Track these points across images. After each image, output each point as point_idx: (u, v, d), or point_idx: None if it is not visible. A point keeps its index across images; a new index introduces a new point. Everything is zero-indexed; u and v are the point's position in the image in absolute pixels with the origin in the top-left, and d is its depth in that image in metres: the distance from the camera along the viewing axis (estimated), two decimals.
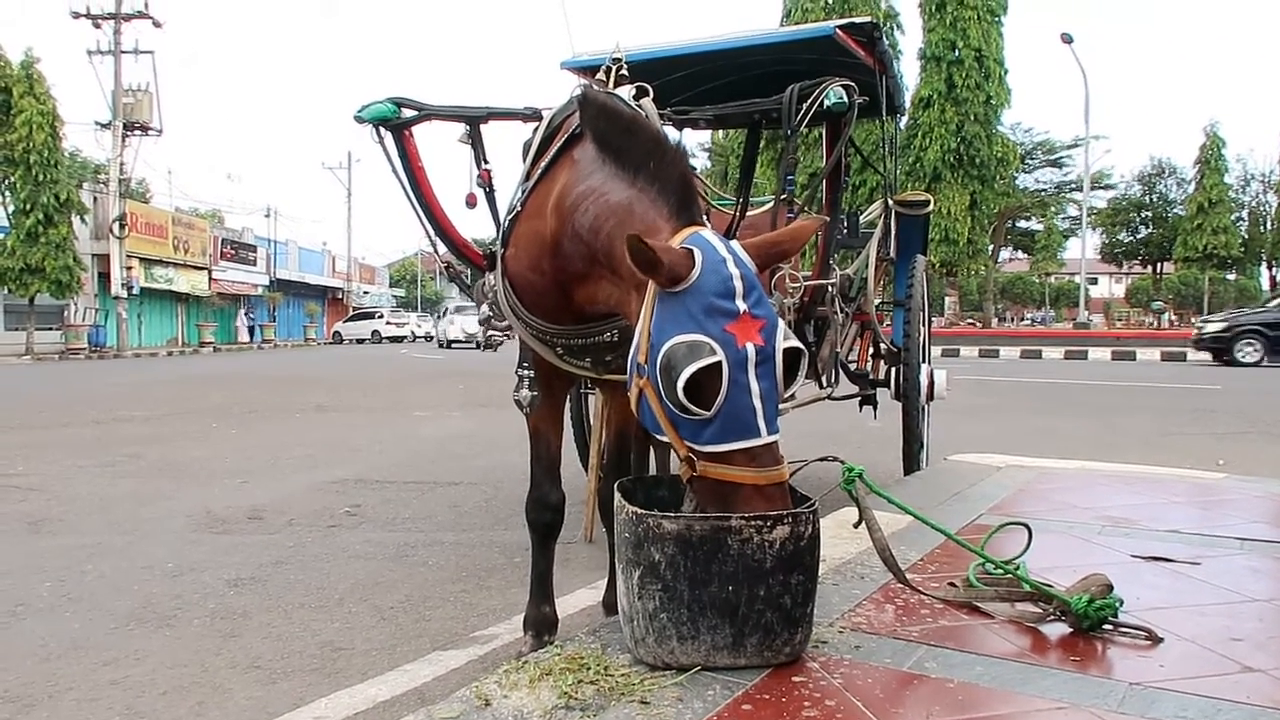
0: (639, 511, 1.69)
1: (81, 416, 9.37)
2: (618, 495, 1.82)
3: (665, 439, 1.68)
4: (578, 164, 2.07)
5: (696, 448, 1.62)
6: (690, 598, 1.64)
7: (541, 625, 2.43)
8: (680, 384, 1.55)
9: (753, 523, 1.63)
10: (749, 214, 3.23)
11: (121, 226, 28.30)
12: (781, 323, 1.65)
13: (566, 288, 2.10)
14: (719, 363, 1.55)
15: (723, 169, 33.01)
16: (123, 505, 4.85)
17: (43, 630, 2.92)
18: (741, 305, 1.59)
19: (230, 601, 3.19)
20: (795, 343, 1.65)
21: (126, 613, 3.07)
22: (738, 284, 1.61)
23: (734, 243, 1.70)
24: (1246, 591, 2.20)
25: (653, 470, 3.74)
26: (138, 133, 29.39)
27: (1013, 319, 50.57)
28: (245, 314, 38.30)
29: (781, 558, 1.64)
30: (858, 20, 3.94)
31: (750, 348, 1.57)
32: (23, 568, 3.63)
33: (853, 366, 4.53)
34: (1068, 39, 28.11)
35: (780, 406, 1.64)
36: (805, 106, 2.86)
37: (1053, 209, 43.58)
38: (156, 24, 28.93)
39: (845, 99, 2.84)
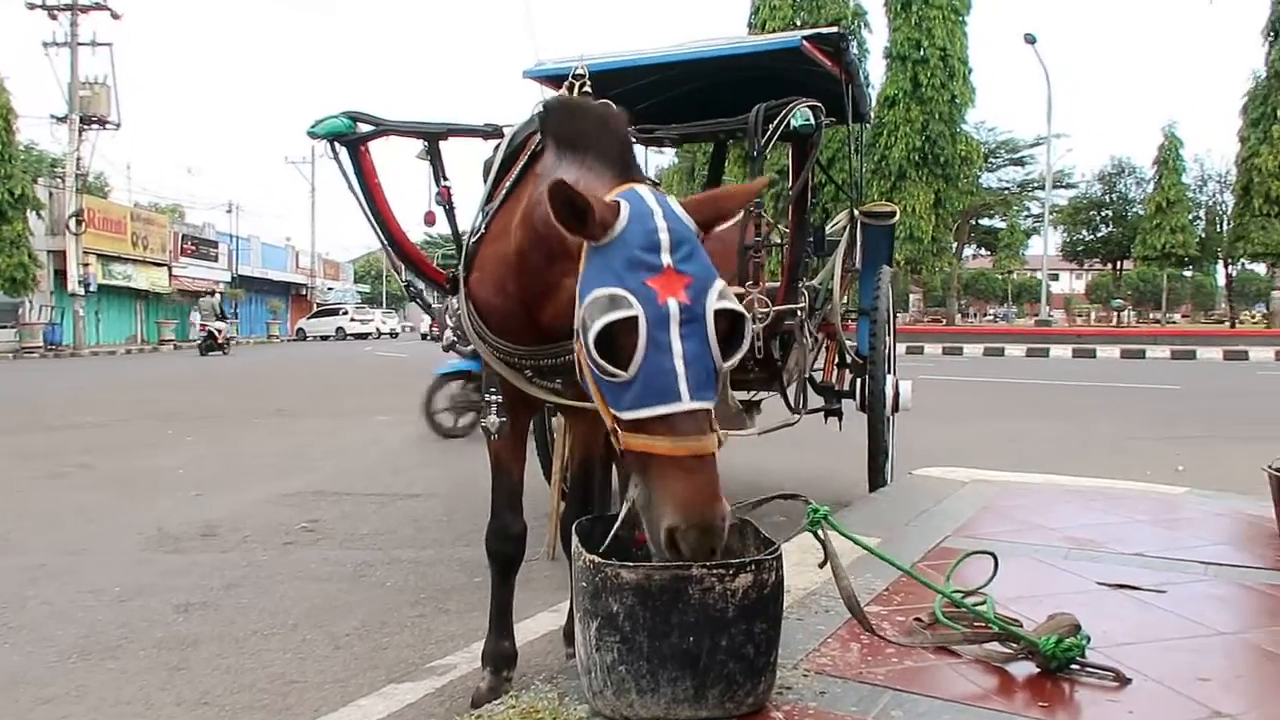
0: (597, 560, 1.63)
1: (34, 421, 9.14)
2: (575, 540, 1.75)
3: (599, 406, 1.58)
4: (540, 177, 2.00)
5: (619, 414, 1.50)
6: (650, 649, 1.58)
7: (500, 660, 2.36)
8: (591, 338, 1.45)
9: (714, 571, 1.57)
10: (718, 229, 3.17)
11: (78, 222, 27.73)
12: (719, 283, 1.53)
13: (533, 308, 2.02)
14: (634, 318, 1.45)
15: (690, 165, 33.00)
16: (71, 522, 4.71)
17: None
18: (666, 259, 1.49)
19: (179, 629, 3.09)
20: (733, 304, 1.52)
21: (70, 643, 2.96)
22: (664, 237, 1.51)
23: (671, 199, 1.62)
24: (1212, 623, 2.19)
25: (616, 492, 3.68)
26: (95, 126, 28.82)
27: (976, 315, 51.16)
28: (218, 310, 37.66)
29: (744, 606, 1.59)
30: (824, 31, 3.91)
31: (673, 304, 1.46)
32: None
33: (818, 378, 4.50)
34: (1030, 39, 28.43)
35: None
36: (772, 128, 2.81)
37: (1015, 207, 44.14)
38: (115, 15, 28.39)
39: (811, 120, 2.80)
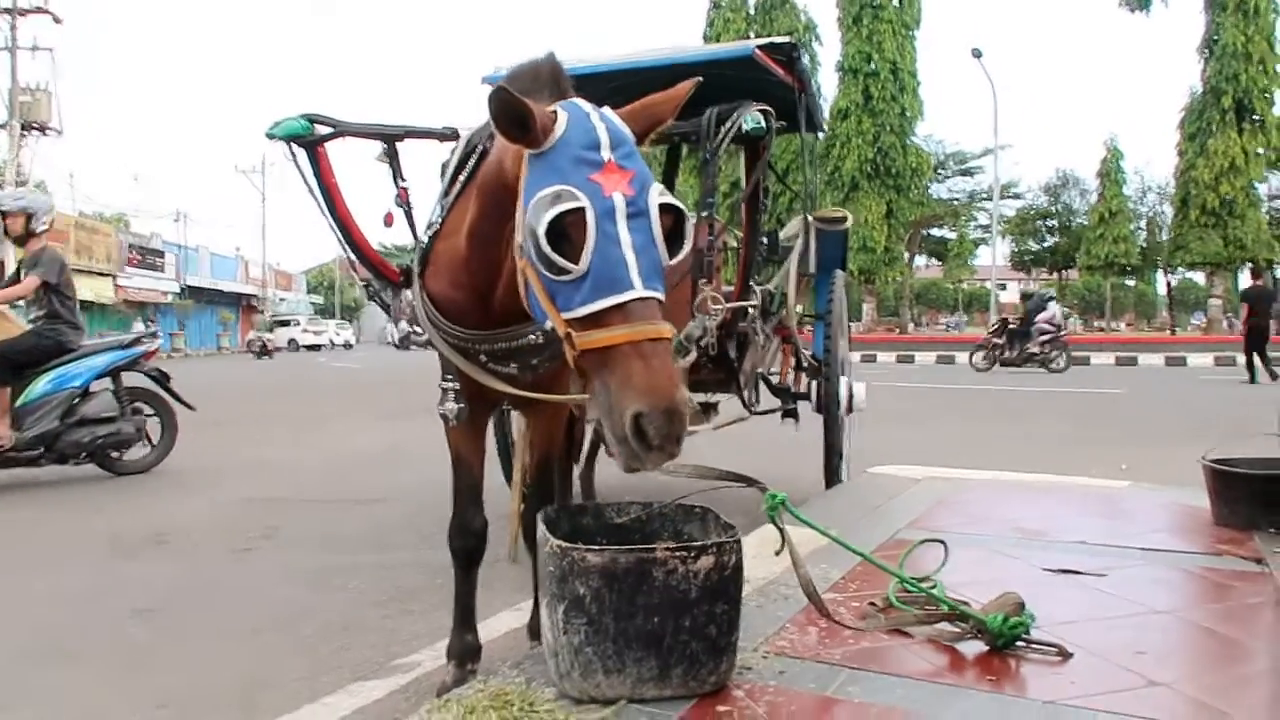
0: (564, 545, 1.67)
1: None
2: (541, 527, 1.80)
3: (550, 321, 1.58)
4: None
5: (572, 315, 1.50)
6: (616, 631, 1.63)
7: (465, 654, 2.39)
8: (542, 229, 1.47)
9: (677, 553, 1.63)
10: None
11: None
12: (658, 184, 1.57)
13: (486, 295, 2.06)
14: (582, 210, 1.46)
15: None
16: (15, 530, 4.62)
17: None
18: (607, 155, 1.53)
19: (136, 633, 3.06)
20: (673, 200, 1.57)
21: (19, 648, 2.92)
22: (603, 136, 1.55)
23: (606, 109, 1.65)
24: (1150, 603, 2.29)
25: (577, 492, 3.73)
26: (36, 132, 28.17)
27: (928, 324, 52.00)
28: (145, 322, 36.87)
29: (706, 588, 1.65)
30: (777, 40, 4.01)
31: (618, 197, 1.49)
32: None
33: (774, 380, 4.59)
34: (977, 54, 29.04)
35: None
36: (723, 130, 2.88)
37: (964, 218, 44.97)
38: (56, 20, 27.85)
39: (762, 123, 2.87)
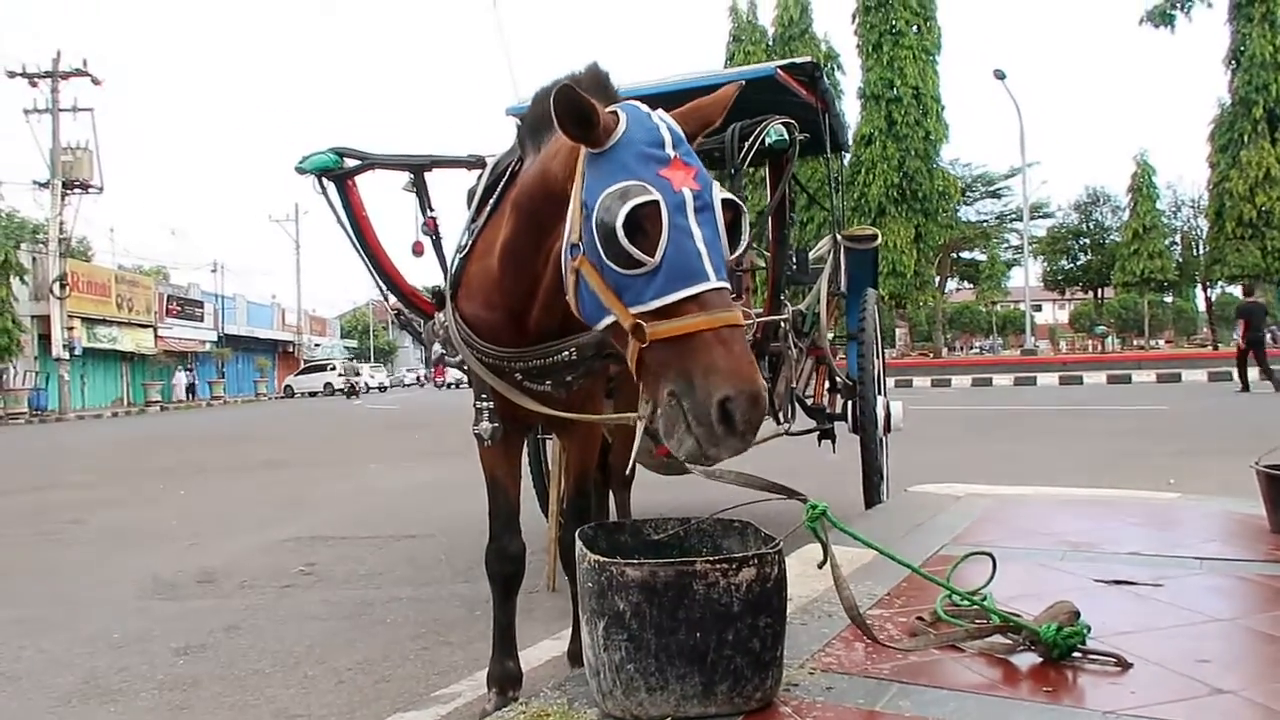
0: (602, 560, 1.65)
1: (21, 483, 9.05)
2: (579, 543, 1.77)
3: (611, 319, 1.56)
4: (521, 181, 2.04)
5: (644, 308, 1.50)
6: (657, 646, 1.60)
7: (505, 681, 2.36)
8: (620, 223, 1.47)
9: (718, 566, 1.60)
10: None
11: (62, 286, 27.71)
12: (715, 181, 1.60)
13: (520, 315, 2.07)
14: (656, 203, 1.48)
15: None
16: (65, 574, 4.67)
17: None
18: (672, 151, 1.56)
19: (180, 671, 3.06)
20: (732, 196, 1.59)
21: (69, 689, 2.93)
22: (665, 134, 1.58)
23: (660, 110, 1.67)
24: (1209, 611, 2.21)
25: (614, 516, 3.70)
26: (78, 191, 28.93)
27: (962, 348, 51.43)
28: (184, 370, 37.47)
29: (748, 600, 1.61)
30: (798, 61, 4.02)
31: (687, 192, 1.51)
32: None
33: (809, 401, 4.54)
34: (1000, 75, 28.99)
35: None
36: (747, 146, 2.88)
37: (994, 239, 44.59)
38: (95, 81, 28.65)
39: (786, 136, 2.87)
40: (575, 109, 1.54)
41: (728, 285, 1.52)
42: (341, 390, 39.03)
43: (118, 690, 2.91)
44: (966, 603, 2.09)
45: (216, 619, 3.68)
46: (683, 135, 1.62)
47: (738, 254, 1.61)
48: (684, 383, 1.47)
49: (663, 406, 1.50)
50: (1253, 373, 14.91)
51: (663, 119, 1.62)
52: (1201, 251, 35.13)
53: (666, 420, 1.49)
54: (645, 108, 1.65)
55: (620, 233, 1.48)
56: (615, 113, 1.62)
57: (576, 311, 1.68)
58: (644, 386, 1.58)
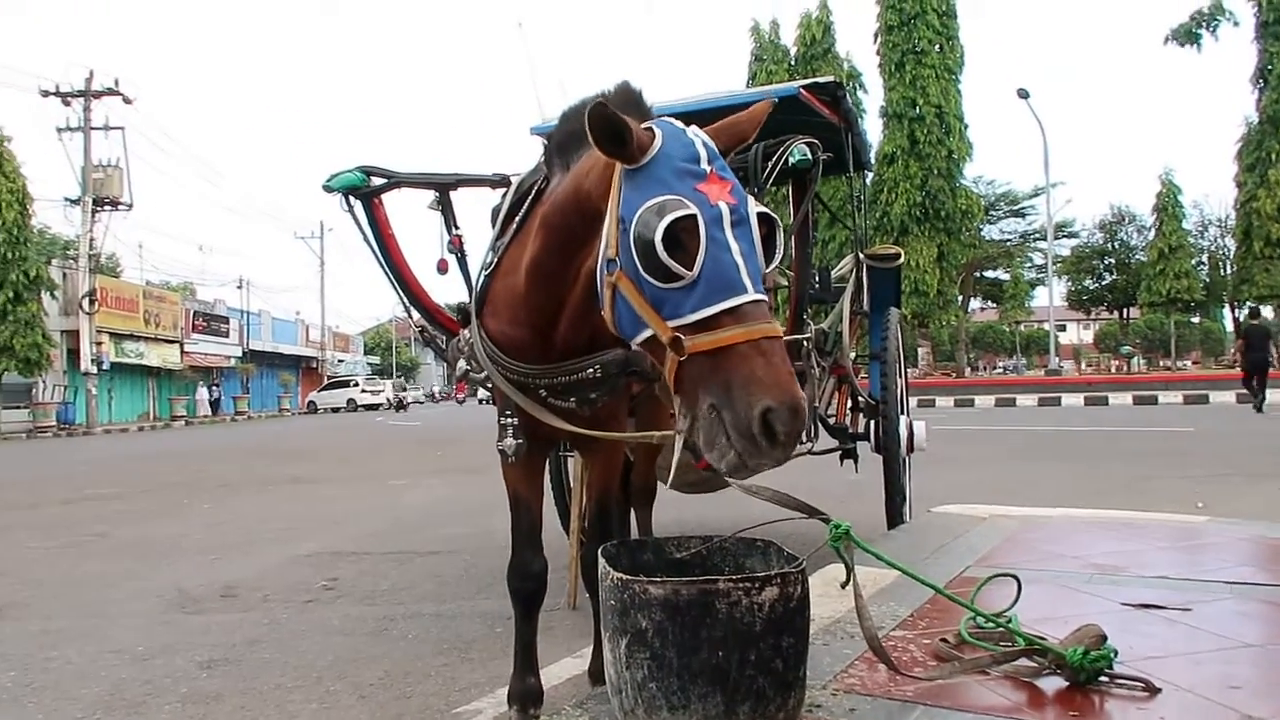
0: (624, 577, 1.65)
1: (48, 496, 9.16)
2: (601, 561, 1.78)
3: (648, 333, 1.57)
4: (548, 200, 2.05)
5: (682, 321, 1.52)
6: (679, 665, 1.59)
7: (526, 698, 2.36)
8: (659, 237, 1.49)
9: (741, 585, 1.59)
10: None
11: (91, 302, 28.11)
12: (749, 195, 1.62)
13: (547, 332, 2.09)
14: (694, 217, 1.50)
15: None
16: (90, 587, 4.71)
17: None
18: (708, 166, 1.58)
19: (203, 684, 3.08)
20: (767, 210, 1.61)
21: (93, 700, 2.95)
22: (701, 150, 1.60)
23: (694, 126, 1.69)
24: (1241, 637, 2.18)
25: (635, 534, 3.69)
26: (108, 208, 29.38)
27: (985, 368, 51.04)
28: (209, 385, 37.86)
29: (771, 620, 1.60)
30: (821, 80, 4.03)
31: (724, 205, 1.53)
32: None
33: (831, 421, 4.52)
34: (1024, 94, 28.92)
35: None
36: (770, 165, 2.89)
37: (1018, 258, 44.33)
38: (127, 100, 29.13)
39: (809, 156, 2.88)
40: (610, 126, 1.56)
41: (765, 297, 1.53)
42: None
43: (141, 703, 2.93)
44: (991, 624, 2.07)
45: (239, 633, 3.70)
46: (717, 150, 1.63)
47: (772, 267, 1.62)
48: (724, 395, 1.48)
49: (702, 419, 1.51)
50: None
51: (697, 135, 1.64)
52: (1229, 271, 34.76)
53: (706, 433, 1.50)
54: (680, 124, 1.67)
55: (659, 247, 1.50)
56: (651, 129, 1.64)
57: (612, 326, 1.69)
58: (682, 399, 1.59)
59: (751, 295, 1.50)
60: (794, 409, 1.44)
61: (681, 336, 1.51)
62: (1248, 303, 25.07)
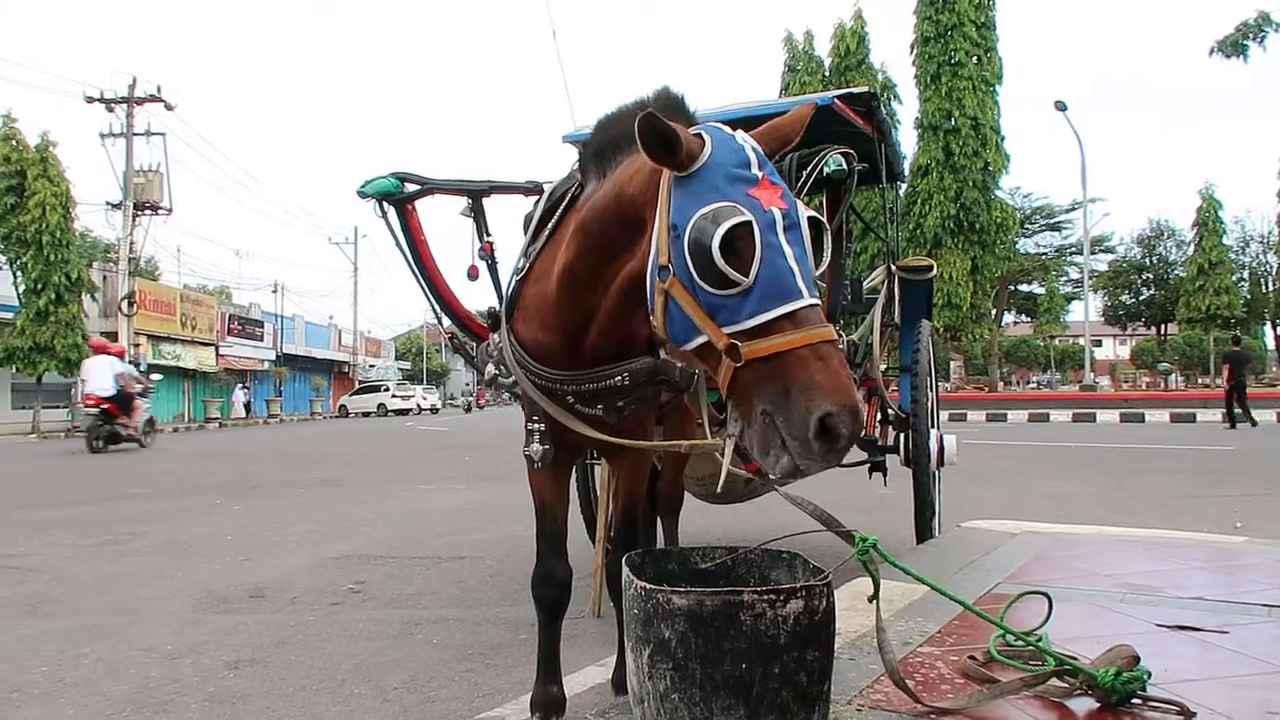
0: (648, 587, 1.64)
1: (87, 494, 9.31)
2: (626, 570, 1.77)
3: (702, 339, 1.57)
4: (581, 208, 2.05)
5: (738, 327, 1.52)
6: (702, 676, 1.58)
7: (549, 706, 2.35)
8: (716, 244, 1.49)
9: (765, 597, 1.58)
10: None
11: (130, 304, 28.55)
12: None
13: (577, 338, 2.08)
14: (749, 223, 1.50)
15: None
16: (123, 585, 4.78)
17: (35, 718, 2.84)
18: (759, 172, 1.58)
19: (230, 684, 3.11)
20: (815, 214, 1.61)
21: (123, 698, 2.99)
22: (751, 155, 1.60)
23: (740, 131, 1.68)
24: (1278, 662, 2.12)
25: (661, 543, 3.68)
26: (148, 212, 29.81)
27: (1018, 383, 50.45)
28: (242, 388, 38.33)
29: (796, 633, 1.59)
30: (855, 90, 4.01)
31: (776, 211, 1.53)
32: (19, 651, 3.55)
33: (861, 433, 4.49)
34: (1061, 106, 28.62)
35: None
36: (805, 175, 2.87)
37: (1054, 272, 43.85)
38: (168, 106, 29.58)
39: (844, 166, 2.86)
40: (660, 134, 1.56)
41: (819, 302, 1.53)
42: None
43: (168, 701, 2.96)
44: (1021, 643, 2.03)
45: (267, 634, 3.73)
46: (766, 155, 1.63)
47: (821, 269, 1.62)
48: (782, 399, 1.47)
49: (755, 424, 1.51)
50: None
51: (746, 140, 1.64)
52: (1271, 288, 34.14)
53: (760, 438, 1.50)
54: (727, 129, 1.67)
55: (716, 254, 1.50)
56: (700, 135, 1.63)
57: (662, 333, 1.68)
58: (736, 405, 1.60)
59: (807, 300, 1.51)
60: (854, 412, 1.44)
61: (738, 343, 1.51)
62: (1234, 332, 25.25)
